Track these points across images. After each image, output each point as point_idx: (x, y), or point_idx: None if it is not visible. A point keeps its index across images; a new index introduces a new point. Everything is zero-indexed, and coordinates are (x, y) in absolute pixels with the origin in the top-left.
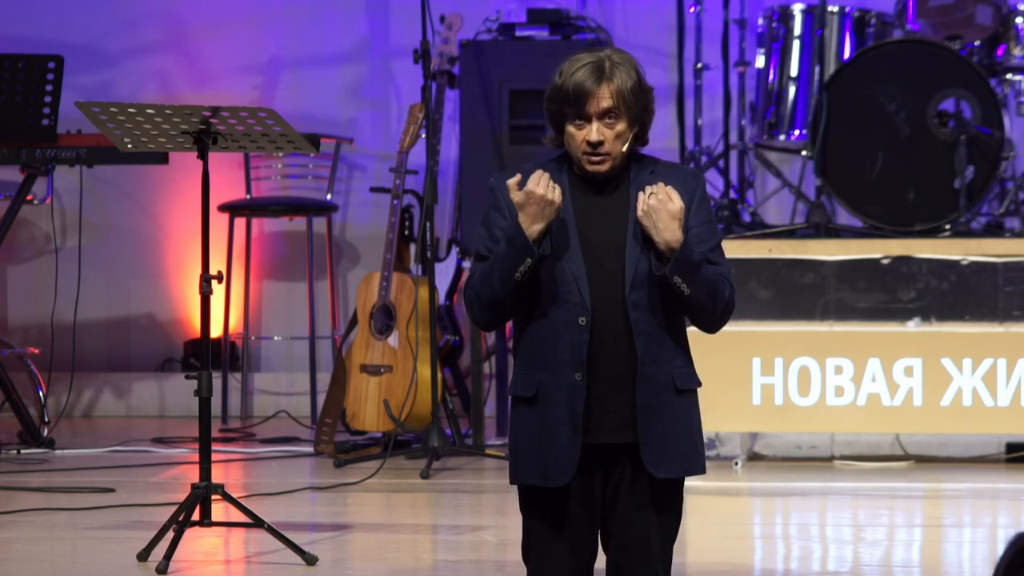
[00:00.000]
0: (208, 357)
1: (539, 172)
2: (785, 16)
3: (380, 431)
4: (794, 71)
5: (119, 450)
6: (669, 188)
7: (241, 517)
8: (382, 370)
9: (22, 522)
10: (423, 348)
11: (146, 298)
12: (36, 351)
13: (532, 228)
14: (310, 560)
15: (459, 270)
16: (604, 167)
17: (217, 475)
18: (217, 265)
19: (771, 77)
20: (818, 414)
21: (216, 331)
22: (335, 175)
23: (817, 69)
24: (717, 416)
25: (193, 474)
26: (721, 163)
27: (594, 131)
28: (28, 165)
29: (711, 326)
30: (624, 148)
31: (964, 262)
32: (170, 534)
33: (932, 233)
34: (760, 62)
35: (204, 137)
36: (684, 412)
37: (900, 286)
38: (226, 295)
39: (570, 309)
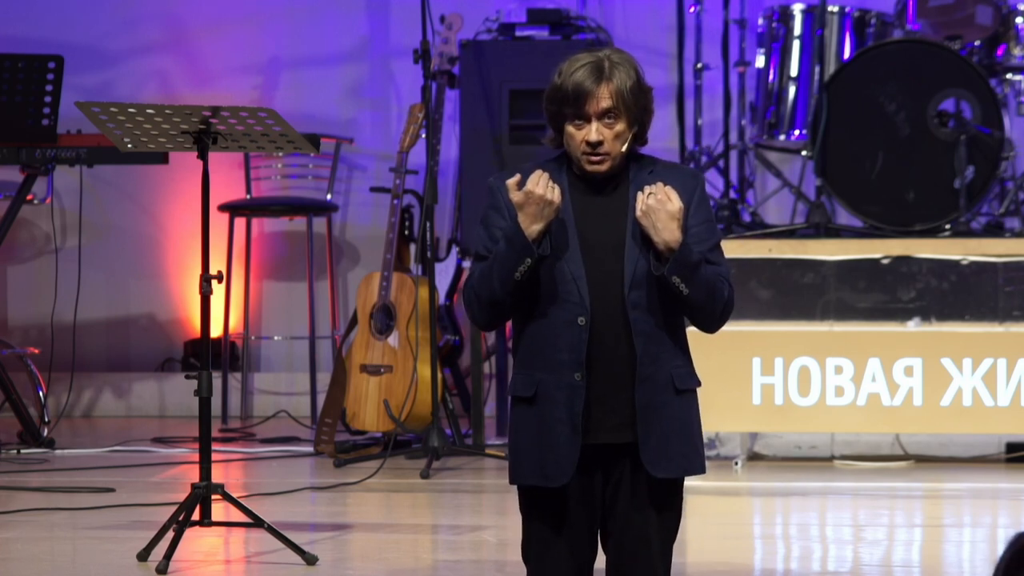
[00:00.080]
0: (208, 357)
1: (538, 172)
2: (785, 16)
3: (380, 431)
4: (794, 71)
5: (119, 450)
6: (668, 188)
7: (241, 517)
8: (382, 370)
9: (22, 522)
10: (423, 348)
11: (146, 298)
12: (36, 351)
13: (531, 228)
14: (310, 560)
15: (459, 270)
16: (603, 167)
17: (217, 475)
18: (217, 265)
19: (771, 77)
20: (818, 414)
21: (216, 331)
22: (335, 175)
23: (817, 69)
24: (717, 416)
25: (193, 474)
26: (721, 163)
27: (593, 131)
28: (28, 165)
29: (710, 326)
30: (623, 148)
31: (964, 262)
32: (170, 534)
33: (932, 233)
34: (760, 62)
35: (204, 137)
36: (684, 412)
37: (900, 286)
38: (226, 295)
39: (569, 309)
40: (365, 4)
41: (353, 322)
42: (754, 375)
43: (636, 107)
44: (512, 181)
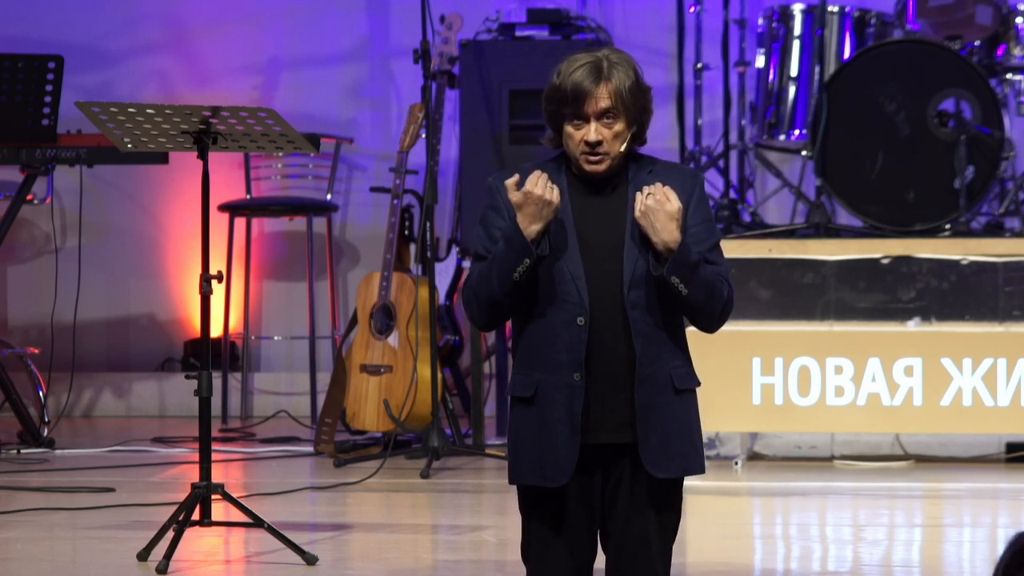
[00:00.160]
0: (208, 357)
1: (537, 172)
2: (785, 16)
3: (380, 431)
4: (794, 71)
5: (119, 450)
6: (667, 188)
7: (241, 517)
8: (382, 370)
9: (22, 522)
10: (423, 348)
11: (146, 298)
12: (36, 351)
13: (530, 228)
14: (310, 560)
15: (459, 270)
16: (602, 167)
17: (217, 475)
18: (217, 265)
19: (771, 77)
20: (818, 414)
21: (216, 331)
22: (335, 175)
23: (817, 69)
24: (717, 416)
25: (193, 474)
26: (721, 163)
27: (592, 131)
28: (28, 165)
29: (710, 326)
30: (622, 148)
31: (964, 262)
32: (170, 534)
33: (932, 233)
34: (760, 62)
35: (204, 137)
36: (683, 412)
37: (900, 286)
38: (226, 295)
39: (568, 309)
40: (365, 4)
41: (353, 322)
42: (754, 375)
43: (635, 107)
44: (511, 181)
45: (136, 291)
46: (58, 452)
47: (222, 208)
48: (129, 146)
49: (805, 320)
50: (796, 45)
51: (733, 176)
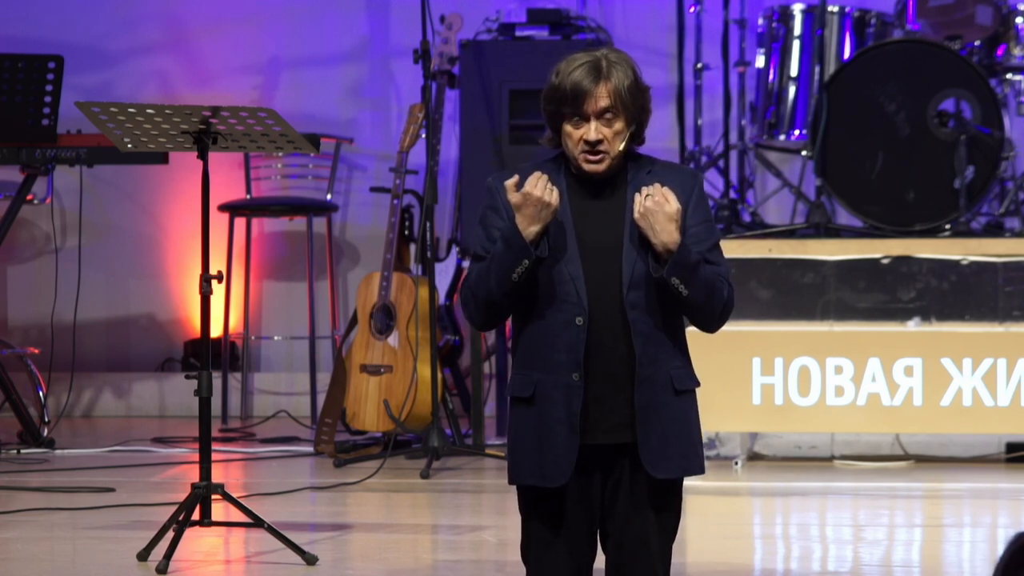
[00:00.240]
0: (208, 357)
1: (537, 174)
2: (785, 16)
3: (380, 431)
4: (794, 71)
5: (119, 450)
6: (665, 189)
7: (241, 517)
8: (382, 370)
9: (22, 522)
10: (423, 348)
11: (146, 298)
12: (36, 351)
13: (529, 230)
14: (310, 560)
15: (459, 270)
16: (602, 166)
17: (217, 475)
18: (217, 265)
19: (771, 77)
20: (818, 414)
21: (216, 331)
22: (335, 175)
23: (817, 69)
24: (717, 416)
25: (193, 474)
26: (721, 163)
27: (592, 130)
28: (28, 165)
29: (710, 326)
30: (621, 147)
31: (964, 262)
32: (170, 534)
33: (932, 233)
34: (760, 62)
35: (204, 137)
36: (683, 412)
37: (900, 286)
38: (226, 295)
39: (567, 309)
40: (365, 4)
41: (353, 322)
42: (754, 375)
43: (634, 106)
44: (511, 182)
45: (136, 291)
46: (58, 452)
47: (222, 208)
48: (129, 146)
49: (805, 320)
50: (796, 45)
51: (733, 176)
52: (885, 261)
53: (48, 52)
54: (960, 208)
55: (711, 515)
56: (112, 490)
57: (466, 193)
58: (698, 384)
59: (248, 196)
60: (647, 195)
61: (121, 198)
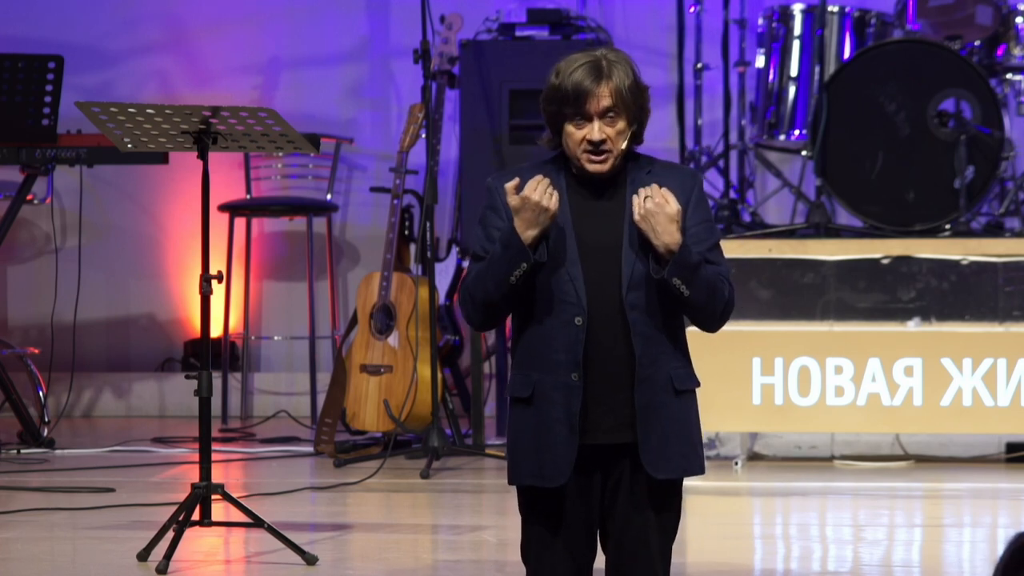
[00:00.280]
0: (208, 357)
1: (537, 178)
2: (785, 16)
3: (380, 431)
4: (794, 71)
5: (119, 450)
6: (664, 191)
7: (241, 517)
8: (382, 370)
9: (22, 522)
10: (423, 348)
11: (146, 298)
12: (36, 351)
13: (527, 233)
14: (310, 560)
15: (459, 270)
16: (606, 166)
17: (217, 475)
18: (217, 265)
19: (771, 77)
20: (818, 414)
21: (216, 331)
22: (335, 175)
23: (817, 69)
24: (717, 416)
25: (193, 474)
26: (721, 163)
27: (595, 130)
28: (28, 165)
29: (711, 326)
30: (623, 146)
31: (964, 262)
32: (170, 534)
33: (932, 233)
34: (760, 62)
35: (204, 137)
36: (683, 413)
37: (900, 286)
38: (226, 295)
39: (566, 309)
40: (365, 4)
41: (353, 322)
42: (754, 375)
43: (635, 105)
44: (510, 185)
45: (136, 291)
46: (58, 452)
47: (222, 208)
48: (129, 146)
49: (805, 320)
50: (796, 45)
51: (733, 176)
52: (885, 261)
53: (48, 52)
54: (960, 208)
55: (711, 515)
56: (112, 490)
57: (466, 193)
58: (698, 384)
59: (248, 196)
60: (646, 196)
61: (121, 198)
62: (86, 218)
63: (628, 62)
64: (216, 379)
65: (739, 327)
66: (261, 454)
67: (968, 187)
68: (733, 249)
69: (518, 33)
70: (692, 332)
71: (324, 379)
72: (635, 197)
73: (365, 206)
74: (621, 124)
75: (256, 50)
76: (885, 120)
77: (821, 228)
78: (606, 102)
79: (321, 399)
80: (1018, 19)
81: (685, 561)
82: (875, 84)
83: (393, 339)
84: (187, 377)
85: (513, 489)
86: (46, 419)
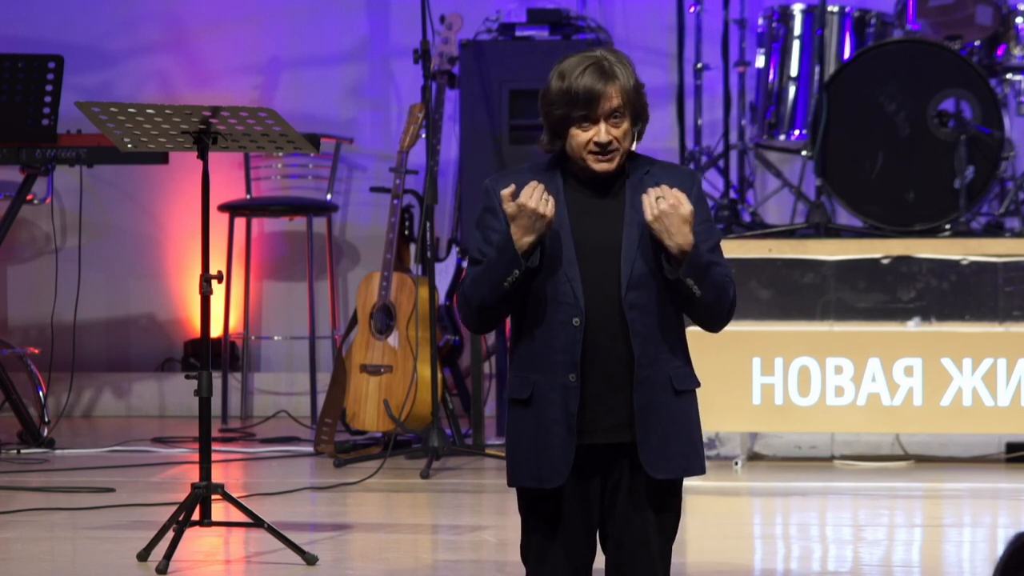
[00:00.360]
0: (208, 357)
1: (533, 184)
2: (785, 16)
3: (380, 431)
4: (794, 71)
5: (119, 450)
6: (677, 191)
7: (241, 517)
8: (382, 370)
9: (22, 522)
10: (423, 348)
11: (146, 298)
12: (36, 351)
13: (522, 240)
14: (310, 560)
15: (459, 270)
16: (613, 164)
17: (217, 475)
18: (217, 265)
19: (771, 77)
20: (818, 414)
21: (216, 331)
22: (335, 175)
23: (817, 69)
24: (717, 416)
25: (193, 474)
26: (721, 163)
27: (603, 131)
28: (28, 165)
29: (716, 326)
30: (628, 145)
31: (964, 262)
32: (170, 534)
33: (932, 233)
34: (760, 62)
35: (204, 137)
36: (683, 413)
37: (900, 286)
38: (226, 295)
39: (564, 310)
40: (365, 4)
41: (353, 322)
42: (754, 375)
43: (638, 104)
44: (506, 192)
45: (136, 291)
46: (58, 452)
47: (222, 208)
48: (129, 146)
49: (805, 320)
50: (796, 45)
51: (733, 176)
52: (885, 261)
53: (48, 52)
54: (960, 208)
55: (711, 515)
56: (112, 490)
57: (466, 193)
58: (698, 384)
59: (248, 196)
60: (657, 197)
61: (121, 198)
62: (86, 218)
63: (628, 61)
64: (216, 379)
65: (739, 327)
66: (261, 454)
67: (968, 187)
68: (733, 249)
69: (518, 33)
70: (692, 332)
71: (324, 379)
72: (645, 197)
73: (365, 206)
74: (626, 124)
75: (256, 50)
76: (885, 120)
77: (821, 228)
78: (615, 102)
79: (321, 399)
80: (1018, 19)
81: (685, 561)
82: (875, 84)
83: (393, 339)
84: (187, 377)
85: (513, 489)
86: (46, 419)
